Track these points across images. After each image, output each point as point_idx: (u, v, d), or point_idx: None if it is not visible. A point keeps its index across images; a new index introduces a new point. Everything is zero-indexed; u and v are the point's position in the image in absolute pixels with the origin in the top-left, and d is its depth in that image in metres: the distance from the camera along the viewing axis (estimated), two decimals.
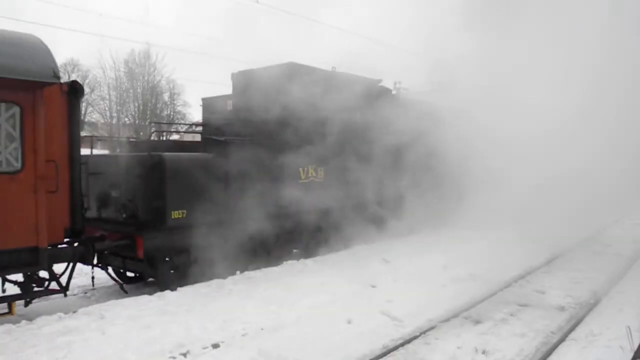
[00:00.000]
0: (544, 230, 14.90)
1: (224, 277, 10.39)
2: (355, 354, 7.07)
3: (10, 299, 8.04)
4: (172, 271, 10.05)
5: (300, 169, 12.13)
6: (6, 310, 8.05)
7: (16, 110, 7.90)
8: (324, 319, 8.18)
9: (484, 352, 7.25)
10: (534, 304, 9.56)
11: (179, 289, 9.59)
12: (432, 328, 8.22)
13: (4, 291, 8.38)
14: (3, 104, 7.77)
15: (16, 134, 7.88)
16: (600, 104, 14.23)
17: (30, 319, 8.04)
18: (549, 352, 7.34)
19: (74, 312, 8.23)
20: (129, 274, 11.12)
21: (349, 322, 8.13)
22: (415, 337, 7.83)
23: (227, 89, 15.55)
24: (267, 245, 11.58)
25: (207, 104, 13.08)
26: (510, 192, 15.00)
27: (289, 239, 12.05)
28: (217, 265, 10.35)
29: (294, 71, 12.23)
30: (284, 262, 11.66)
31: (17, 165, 7.91)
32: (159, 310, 8.33)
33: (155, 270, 9.88)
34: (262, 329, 7.71)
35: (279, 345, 7.10)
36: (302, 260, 11.74)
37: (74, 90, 8.51)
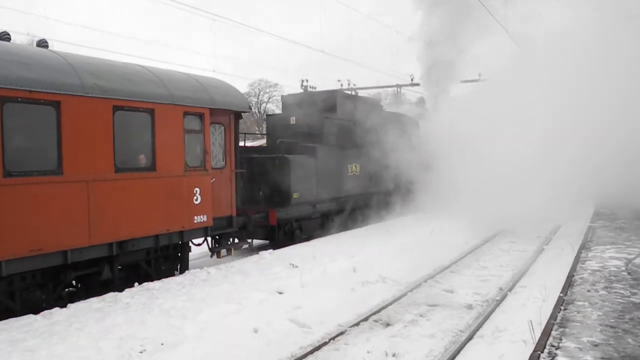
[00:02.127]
0: (461, 230, 16.30)
1: (318, 236, 16.05)
2: None
3: (229, 247, 13.47)
4: (284, 235, 15.32)
5: (349, 165, 18.20)
6: (225, 254, 13.38)
7: (222, 129, 12.92)
8: (229, 329, 8.07)
9: (394, 355, 7.45)
10: (443, 304, 9.92)
11: (69, 305, 9.14)
12: (341, 333, 8.34)
13: (216, 245, 13.39)
14: (217, 125, 12.75)
15: (222, 143, 12.85)
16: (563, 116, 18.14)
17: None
18: (458, 350, 7.64)
19: None
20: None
21: (256, 331, 8.08)
22: (325, 344, 7.91)
23: None
24: (339, 216, 17.73)
25: (270, 119, 18.76)
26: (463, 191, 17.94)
27: (346, 213, 18.03)
28: (306, 231, 16.14)
29: (339, 95, 18.71)
30: (187, 272, 11.50)
31: (223, 163, 12.92)
32: (45, 331, 7.89)
33: (278, 233, 15.13)
34: (162, 345, 7.49)
35: None
36: (205, 269, 11.58)
37: (238, 115, 13.30)
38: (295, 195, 15.36)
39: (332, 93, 18.78)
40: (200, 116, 11.96)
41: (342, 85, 40.43)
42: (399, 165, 19.65)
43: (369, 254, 13.16)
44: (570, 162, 18.00)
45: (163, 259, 11.61)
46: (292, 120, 17.60)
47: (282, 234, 15.34)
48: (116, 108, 10.00)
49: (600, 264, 10.19)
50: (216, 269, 11.65)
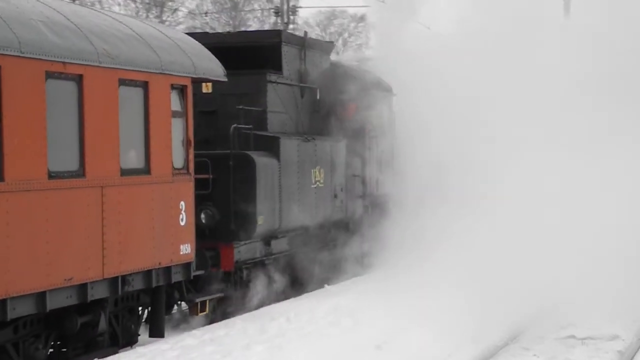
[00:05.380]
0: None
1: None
2: None
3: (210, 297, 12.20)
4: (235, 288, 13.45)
5: (313, 170, 15.45)
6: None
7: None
8: None
9: None
10: None
11: None
12: None
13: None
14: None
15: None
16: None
17: None
18: None
19: None
20: None
21: None
22: None
23: None
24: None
25: None
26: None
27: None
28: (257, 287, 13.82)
29: (285, 39, 15.29)
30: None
31: (183, 163, 11.38)
32: None
33: (235, 285, 13.34)
34: None
35: None
36: None
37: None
38: (260, 221, 13.24)
39: (271, 34, 16.32)
40: (182, 90, 11.44)
41: None
42: (372, 172, 17.53)
43: None
44: None
45: (128, 313, 10.92)
46: (206, 86, 13.62)
47: (234, 288, 13.46)
48: (121, 82, 9.94)
49: None
50: None
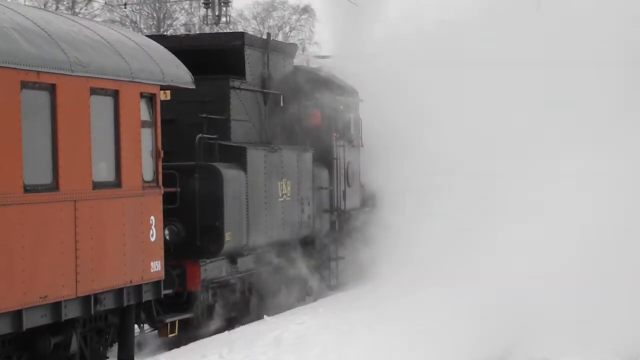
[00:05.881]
0: None
1: None
2: None
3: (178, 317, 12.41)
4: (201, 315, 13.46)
5: (280, 183, 15.39)
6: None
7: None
8: None
9: None
10: None
11: None
12: None
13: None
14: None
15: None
16: None
17: None
18: None
19: None
20: None
21: None
22: None
23: None
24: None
25: None
26: None
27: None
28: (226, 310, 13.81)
29: (248, 42, 15.29)
30: None
31: (152, 175, 11.50)
32: None
33: (200, 310, 13.32)
34: None
35: None
36: None
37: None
38: (227, 237, 13.37)
39: (233, 37, 16.18)
40: (151, 99, 11.65)
41: None
42: (340, 184, 17.53)
43: None
44: None
45: (96, 334, 10.90)
46: (164, 93, 13.27)
47: (201, 313, 13.42)
48: (92, 91, 10.12)
49: None
50: None
